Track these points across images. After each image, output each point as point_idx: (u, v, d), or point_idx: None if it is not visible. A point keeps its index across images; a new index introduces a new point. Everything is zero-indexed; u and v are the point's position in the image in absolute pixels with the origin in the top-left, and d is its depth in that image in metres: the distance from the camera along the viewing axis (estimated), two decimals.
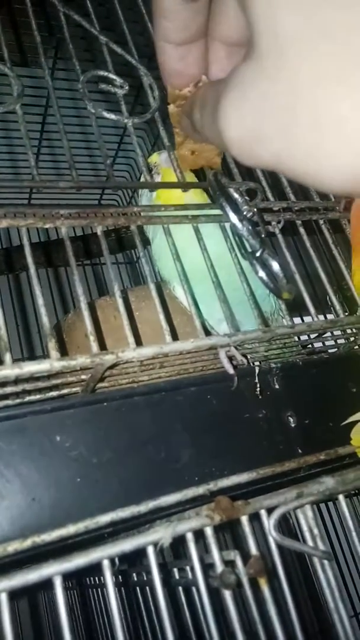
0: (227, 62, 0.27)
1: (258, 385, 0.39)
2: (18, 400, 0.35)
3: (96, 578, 0.64)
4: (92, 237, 1.28)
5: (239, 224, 0.32)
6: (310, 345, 0.54)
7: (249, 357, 0.42)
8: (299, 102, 0.18)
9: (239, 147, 0.21)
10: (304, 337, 0.48)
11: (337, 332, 0.50)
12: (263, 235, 0.31)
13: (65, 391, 0.36)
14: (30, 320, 1.32)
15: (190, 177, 0.45)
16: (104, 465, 0.32)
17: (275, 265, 0.31)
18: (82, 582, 0.64)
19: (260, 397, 0.39)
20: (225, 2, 0.24)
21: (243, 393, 0.39)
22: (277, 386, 0.40)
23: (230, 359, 0.40)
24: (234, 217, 0.32)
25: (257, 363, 0.42)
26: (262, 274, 0.31)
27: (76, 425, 0.33)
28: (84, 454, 0.32)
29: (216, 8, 0.25)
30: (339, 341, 0.53)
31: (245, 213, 0.32)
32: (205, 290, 0.38)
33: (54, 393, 0.36)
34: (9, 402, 0.34)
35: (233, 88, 0.21)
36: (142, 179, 0.44)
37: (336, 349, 0.53)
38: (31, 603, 0.99)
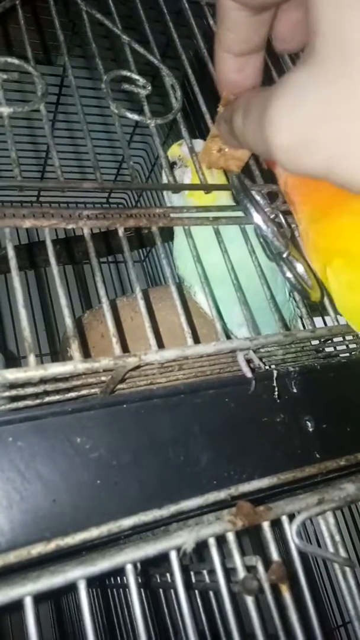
0: None
1: (276, 389, 0.39)
2: (37, 401, 0.35)
3: (116, 575, 0.64)
4: (112, 233, 1.28)
5: (263, 226, 0.31)
6: (323, 349, 0.53)
7: (265, 360, 0.42)
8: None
9: (286, 154, 0.21)
10: (315, 341, 0.47)
11: (349, 337, 0.49)
12: (288, 237, 0.31)
13: (84, 392, 0.36)
14: (51, 314, 1.33)
15: (220, 177, 0.45)
16: (123, 467, 0.32)
17: (300, 267, 0.31)
18: (103, 579, 0.65)
19: (278, 400, 0.39)
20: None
21: (261, 397, 0.39)
22: (294, 390, 0.40)
23: (248, 362, 0.39)
24: (258, 219, 0.32)
25: (274, 366, 0.42)
26: (289, 275, 0.30)
27: (96, 427, 0.32)
28: (104, 455, 0.32)
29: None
30: (350, 345, 0.52)
31: (269, 215, 0.32)
32: (225, 294, 0.38)
33: (72, 394, 0.36)
34: (29, 402, 0.34)
35: (287, 93, 0.20)
36: (164, 179, 0.44)
37: (348, 354, 0.53)
38: (52, 602, 0.99)
